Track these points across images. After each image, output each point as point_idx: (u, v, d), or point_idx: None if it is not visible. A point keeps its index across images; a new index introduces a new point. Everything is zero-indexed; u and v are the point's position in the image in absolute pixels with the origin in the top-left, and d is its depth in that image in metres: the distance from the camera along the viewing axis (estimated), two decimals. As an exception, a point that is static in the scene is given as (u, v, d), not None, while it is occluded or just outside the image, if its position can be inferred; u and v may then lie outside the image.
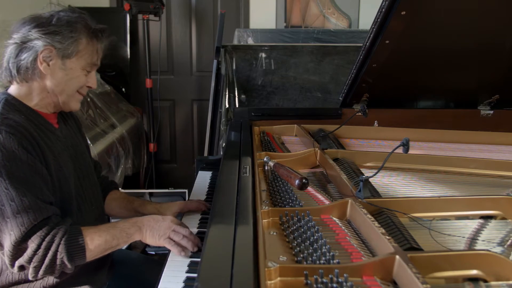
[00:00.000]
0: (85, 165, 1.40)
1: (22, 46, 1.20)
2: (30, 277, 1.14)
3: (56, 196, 1.22)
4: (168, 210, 1.52)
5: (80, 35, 1.24)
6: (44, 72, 1.22)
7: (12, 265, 1.13)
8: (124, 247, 1.49)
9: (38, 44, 1.20)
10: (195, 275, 1.07)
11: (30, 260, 1.11)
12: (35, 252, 1.11)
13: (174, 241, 1.20)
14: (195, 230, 1.39)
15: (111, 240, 1.19)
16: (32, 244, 1.10)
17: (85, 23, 1.27)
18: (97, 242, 1.17)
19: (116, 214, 1.60)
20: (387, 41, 1.56)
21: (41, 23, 1.21)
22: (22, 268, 1.14)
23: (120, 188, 1.67)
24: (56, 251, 1.11)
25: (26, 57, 1.20)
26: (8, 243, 1.10)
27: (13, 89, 1.25)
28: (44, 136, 1.23)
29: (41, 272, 1.12)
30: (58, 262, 1.12)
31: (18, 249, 1.11)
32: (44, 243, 1.11)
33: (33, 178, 1.14)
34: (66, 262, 1.12)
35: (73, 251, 1.13)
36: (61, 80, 1.25)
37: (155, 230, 1.21)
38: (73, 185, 1.30)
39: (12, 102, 1.22)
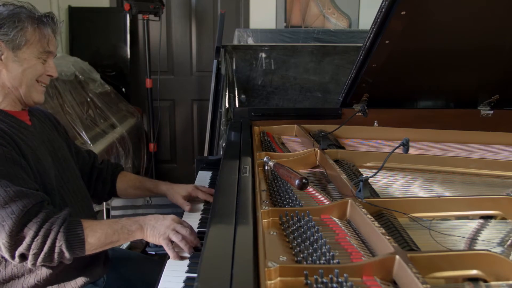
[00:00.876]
0: (64, 159, 1.40)
1: None
2: (29, 265, 1.13)
3: (39, 187, 1.21)
4: (178, 193, 1.57)
5: (25, 23, 1.23)
6: None
7: (13, 256, 1.11)
8: (125, 246, 1.49)
9: None
10: (195, 275, 1.07)
11: (29, 247, 1.10)
12: (33, 239, 1.09)
13: (172, 242, 1.19)
14: (195, 230, 1.39)
15: (112, 235, 1.18)
16: (30, 231, 1.09)
17: (28, 12, 1.25)
18: (97, 234, 1.16)
19: (128, 195, 1.64)
20: (387, 41, 1.56)
21: None
22: (23, 257, 1.12)
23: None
24: (55, 238, 1.10)
25: None
26: (3, 235, 1.09)
27: None
28: (18, 132, 1.23)
29: (39, 260, 1.11)
30: (56, 250, 1.11)
31: (16, 239, 1.09)
32: (43, 230, 1.10)
33: (13, 169, 1.13)
34: (65, 251, 1.11)
35: (72, 241, 1.12)
36: (17, 72, 1.24)
37: (156, 229, 1.20)
38: (53, 177, 1.29)
39: None
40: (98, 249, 1.18)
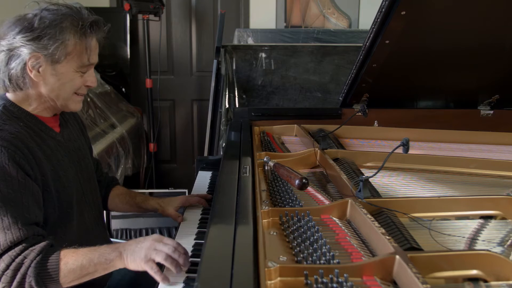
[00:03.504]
0: (87, 169, 1.38)
1: (10, 54, 1.15)
2: None
3: (55, 206, 1.19)
4: (170, 205, 1.52)
5: (67, 35, 1.16)
6: (35, 79, 1.17)
7: None
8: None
9: (24, 51, 1.13)
10: (195, 275, 1.07)
11: None
12: (3, 272, 1.04)
13: (157, 262, 1.08)
14: (195, 230, 1.39)
15: (88, 266, 1.08)
16: (2, 264, 1.05)
17: (72, 20, 1.17)
18: (71, 267, 1.07)
19: (119, 210, 1.60)
20: (387, 41, 1.56)
21: (25, 28, 1.14)
22: None
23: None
24: (25, 273, 1.04)
25: (14, 66, 1.15)
26: None
27: (11, 94, 1.22)
28: (43, 144, 1.20)
29: None
30: (26, 286, 1.05)
31: None
32: (14, 264, 1.04)
33: (20, 195, 1.09)
34: (35, 287, 1.05)
35: (43, 275, 1.05)
36: (54, 86, 1.19)
37: (136, 253, 1.08)
38: (75, 190, 1.28)
39: (11, 109, 1.19)
40: (75, 282, 1.09)
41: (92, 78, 1.26)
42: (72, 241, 1.16)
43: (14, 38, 1.14)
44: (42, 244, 1.08)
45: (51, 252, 1.08)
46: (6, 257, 1.05)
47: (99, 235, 1.40)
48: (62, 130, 1.31)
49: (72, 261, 1.08)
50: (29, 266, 1.05)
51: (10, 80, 1.17)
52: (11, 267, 1.05)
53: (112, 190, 1.58)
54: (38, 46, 1.14)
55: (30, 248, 1.07)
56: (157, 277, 1.07)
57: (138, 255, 1.08)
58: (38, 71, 1.17)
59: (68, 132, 1.34)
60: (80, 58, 1.20)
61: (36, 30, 1.14)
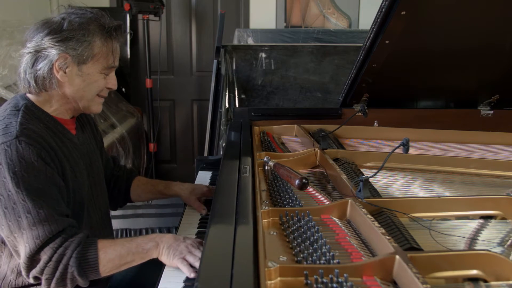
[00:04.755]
0: (98, 172, 1.41)
1: (37, 55, 1.18)
2: None
3: (69, 206, 1.21)
4: (193, 194, 1.56)
5: (94, 37, 1.20)
6: (61, 80, 1.20)
7: (28, 276, 1.12)
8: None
9: (52, 52, 1.17)
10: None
11: (42, 272, 1.09)
12: (46, 264, 1.09)
13: (187, 261, 1.12)
14: (195, 230, 1.39)
15: (126, 255, 1.13)
16: (44, 256, 1.09)
17: (98, 24, 1.22)
18: (110, 256, 1.12)
19: (142, 199, 1.64)
20: (387, 41, 1.56)
21: (53, 30, 1.18)
22: (37, 279, 1.12)
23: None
24: (67, 264, 1.09)
25: (42, 66, 1.18)
26: (23, 255, 1.10)
27: (33, 95, 1.24)
28: (62, 145, 1.23)
29: (52, 285, 1.10)
30: (69, 276, 1.09)
31: (33, 260, 1.10)
32: (56, 255, 1.09)
33: (50, 190, 1.12)
34: (77, 277, 1.10)
35: (84, 265, 1.10)
36: (80, 87, 1.23)
37: (172, 249, 1.14)
38: (86, 193, 1.30)
39: (32, 109, 1.21)
40: (114, 271, 1.15)
41: (113, 80, 1.30)
42: None
43: (42, 39, 1.17)
44: (80, 235, 1.13)
45: (90, 243, 1.12)
46: (48, 249, 1.09)
47: (105, 237, 1.41)
48: (77, 133, 1.34)
49: (111, 251, 1.12)
50: (71, 256, 1.09)
51: (36, 81, 1.20)
52: (54, 259, 1.09)
53: (133, 182, 1.60)
54: (67, 47, 1.18)
55: (70, 240, 1.11)
56: (185, 269, 1.10)
57: (173, 251, 1.13)
58: (65, 72, 1.20)
59: (82, 135, 1.37)
60: (106, 59, 1.24)
61: (65, 32, 1.18)
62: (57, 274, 1.09)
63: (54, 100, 1.24)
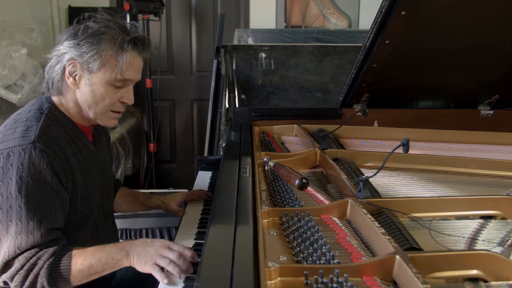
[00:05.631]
0: (108, 181, 1.42)
1: (58, 59, 1.20)
2: None
3: (76, 214, 1.21)
4: (172, 201, 1.57)
5: (104, 46, 1.17)
6: (72, 86, 1.21)
7: None
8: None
9: (66, 57, 1.18)
10: (195, 275, 1.07)
11: (11, 278, 1.08)
12: (17, 272, 1.07)
13: (160, 266, 1.10)
14: (195, 230, 1.39)
15: (96, 266, 1.10)
16: (17, 264, 1.08)
17: (113, 33, 1.19)
18: (80, 266, 1.09)
19: (123, 210, 1.63)
20: (387, 41, 1.56)
21: (71, 35, 1.18)
22: (6, 283, 1.11)
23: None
24: (38, 274, 1.07)
25: (56, 70, 1.20)
26: (0, 258, 1.09)
27: (56, 98, 1.25)
28: (77, 152, 1.23)
29: None
30: (38, 285, 1.08)
31: (6, 265, 1.09)
32: (28, 264, 1.07)
33: (50, 201, 1.12)
34: (47, 287, 1.08)
35: (55, 276, 1.08)
36: (87, 96, 1.21)
37: (142, 256, 1.11)
38: (97, 200, 1.30)
39: (55, 113, 1.22)
40: (83, 281, 1.12)
41: (128, 95, 1.26)
42: (83, 246, 1.16)
43: (62, 44, 1.19)
44: (57, 246, 1.11)
45: (64, 253, 1.11)
46: (22, 258, 1.08)
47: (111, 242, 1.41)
48: (94, 140, 1.34)
49: (81, 261, 1.10)
50: (42, 267, 1.07)
51: (52, 83, 1.21)
52: (25, 267, 1.07)
53: (117, 193, 1.60)
54: (76, 53, 1.17)
55: (44, 250, 1.09)
56: (158, 276, 1.08)
57: (144, 257, 1.11)
58: (75, 79, 1.20)
59: (98, 142, 1.38)
60: (114, 71, 1.19)
61: (78, 38, 1.18)
62: (27, 283, 1.07)
63: (70, 105, 1.24)
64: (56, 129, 1.18)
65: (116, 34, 1.19)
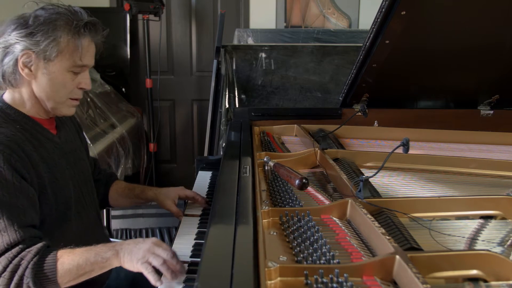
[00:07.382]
0: (83, 171, 1.38)
1: (6, 50, 1.14)
2: None
3: (52, 208, 1.19)
4: (167, 198, 1.51)
5: (60, 32, 1.14)
6: (27, 77, 1.16)
7: None
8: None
9: (17, 48, 1.13)
10: (195, 275, 1.07)
11: None
12: (0, 274, 1.04)
13: (152, 266, 1.07)
14: (195, 230, 1.39)
15: (84, 266, 1.07)
16: None
17: (66, 19, 1.16)
18: (67, 267, 1.06)
19: (120, 204, 1.60)
20: (387, 41, 1.56)
21: (20, 25, 1.14)
22: None
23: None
24: (23, 275, 1.04)
25: (7, 62, 1.14)
26: None
27: (7, 95, 1.21)
28: (39, 146, 1.19)
29: None
30: (24, 287, 1.04)
31: None
32: (11, 266, 1.04)
33: (16, 198, 1.08)
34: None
35: (41, 276, 1.05)
36: (46, 86, 1.17)
37: (134, 254, 1.07)
38: (72, 192, 1.27)
39: (7, 111, 1.19)
40: (72, 282, 1.09)
41: (86, 80, 1.24)
42: (70, 241, 1.15)
43: (9, 35, 1.14)
44: (39, 245, 1.08)
45: (48, 253, 1.07)
46: (3, 259, 1.05)
47: (98, 235, 1.40)
48: (58, 133, 1.31)
49: (69, 261, 1.07)
50: (26, 267, 1.04)
51: (3, 76, 1.16)
52: (8, 269, 1.04)
53: (111, 186, 1.57)
54: (31, 43, 1.13)
55: (27, 250, 1.06)
56: (150, 277, 1.06)
57: (136, 255, 1.07)
58: (30, 70, 1.16)
59: (64, 134, 1.34)
60: (72, 57, 1.18)
61: (30, 27, 1.14)
62: (12, 285, 1.04)
63: (26, 99, 1.20)
64: (10, 127, 1.15)
65: (69, 20, 1.17)
